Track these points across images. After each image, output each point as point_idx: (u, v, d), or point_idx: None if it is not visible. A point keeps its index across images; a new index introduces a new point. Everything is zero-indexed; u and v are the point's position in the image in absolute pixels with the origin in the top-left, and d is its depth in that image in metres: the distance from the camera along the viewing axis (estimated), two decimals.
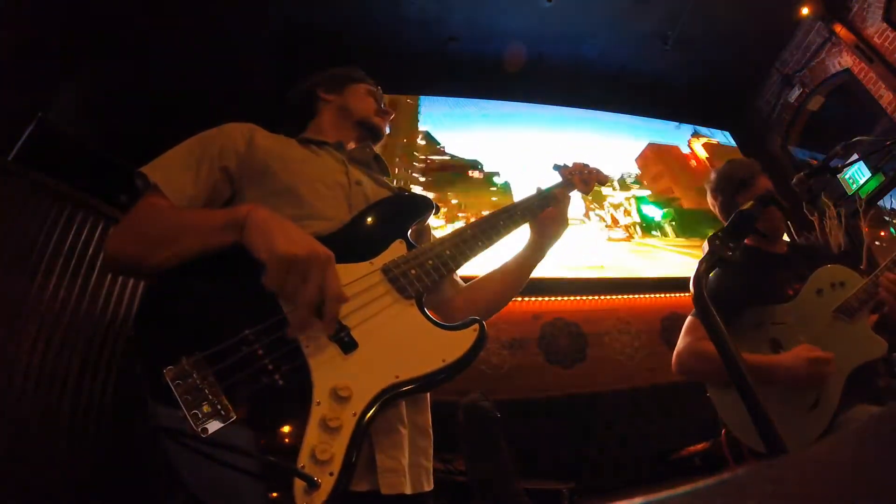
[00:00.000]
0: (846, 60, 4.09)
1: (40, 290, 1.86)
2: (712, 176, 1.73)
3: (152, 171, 0.81)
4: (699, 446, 2.75)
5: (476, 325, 0.76)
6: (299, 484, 0.55)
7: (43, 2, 2.59)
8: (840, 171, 1.41)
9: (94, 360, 1.98)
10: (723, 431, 1.52)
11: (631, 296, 3.78)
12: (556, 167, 1.25)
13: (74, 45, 2.75)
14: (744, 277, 1.47)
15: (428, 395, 0.88)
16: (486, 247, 0.93)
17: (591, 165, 1.29)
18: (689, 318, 1.54)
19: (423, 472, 0.82)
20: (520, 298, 3.45)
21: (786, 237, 1.72)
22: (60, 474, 1.74)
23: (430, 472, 0.85)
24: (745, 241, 1.38)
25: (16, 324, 1.76)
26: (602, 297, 3.72)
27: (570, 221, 1.13)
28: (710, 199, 1.74)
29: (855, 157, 1.48)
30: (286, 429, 0.59)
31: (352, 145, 1.08)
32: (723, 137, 5.18)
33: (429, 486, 0.83)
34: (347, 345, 0.68)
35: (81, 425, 1.87)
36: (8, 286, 1.78)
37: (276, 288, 0.65)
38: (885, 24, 3.76)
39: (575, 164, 1.26)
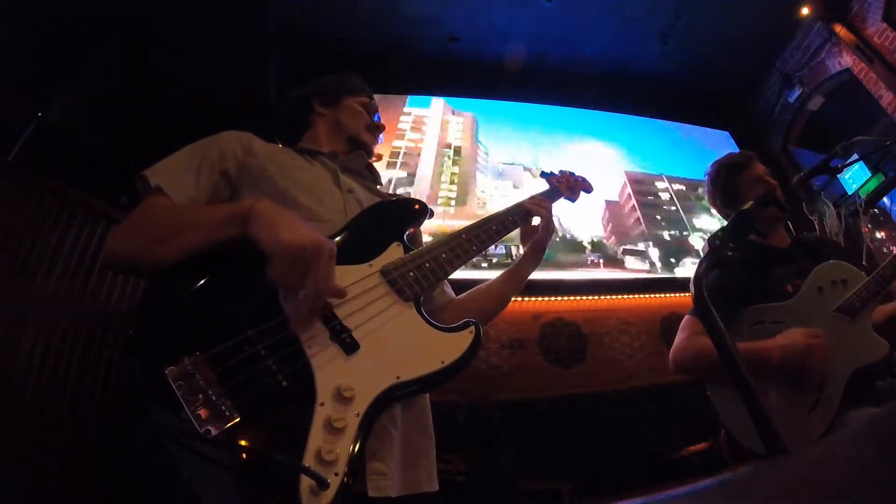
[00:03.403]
0: (846, 60, 4.09)
1: (40, 290, 1.87)
2: (710, 168, 1.75)
3: (153, 175, 0.82)
4: (699, 446, 2.75)
5: (472, 328, 0.77)
6: (305, 485, 0.55)
7: (43, 2, 2.58)
8: (840, 171, 1.40)
9: (94, 360, 1.98)
10: (722, 432, 1.51)
11: (631, 296, 3.78)
12: (544, 175, 1.28)
13: (74, 45, 2.75)
14: (742, 274, 1.45)
15: (427, 394, 0.88)
16: (480, 251, 0.95)
17: (578, 174, 1.32)
18: (686, 317, 1.53)
19: (423, 473, 0.82)
20: (520, 298, 3.46)
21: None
22: (60, 473, 1.74)
23: (431, 472, 0.84)
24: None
25: (16, 323, 1.76)
26: (602, 297, 3.72)
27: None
28: (708, 188, 1.76)
29: (855, 157, 1.47)
30: (290, 430, 0.59)
31: (343, 157, 1.11)
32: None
33: (430, 487, 0.82)
34: (349, 346, 0.68)
35: (81, 425, 1.87)
36: (8, 285, 1.78)
37: (281, 278, 0.66)
38: (885, 24, 3.77)
39: (562, 173, 1.30)
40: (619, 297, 3.76)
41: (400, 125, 4.47)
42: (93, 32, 2.81)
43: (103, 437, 1.88)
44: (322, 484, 0.55)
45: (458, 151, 4.50)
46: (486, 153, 4.57)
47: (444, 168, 4.35)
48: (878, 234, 4.00)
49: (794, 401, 1.25)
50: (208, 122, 0.96)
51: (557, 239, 4.01)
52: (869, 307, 1.31)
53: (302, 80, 1.24)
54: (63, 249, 1.98)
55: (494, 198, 4.21)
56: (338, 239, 0.82)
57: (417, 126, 4.56)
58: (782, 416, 1.23)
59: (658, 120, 5.14)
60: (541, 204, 1.12)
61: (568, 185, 1.26)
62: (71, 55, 2.74)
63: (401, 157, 4.31)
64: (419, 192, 4.03)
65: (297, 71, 3.87)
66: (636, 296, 3.79)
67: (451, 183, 4.26)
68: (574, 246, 4.11)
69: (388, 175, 4.08)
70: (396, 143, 4.36)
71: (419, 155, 4.36)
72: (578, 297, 3.66)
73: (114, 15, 2.84)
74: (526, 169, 4.49)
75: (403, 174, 4.20)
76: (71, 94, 2.82)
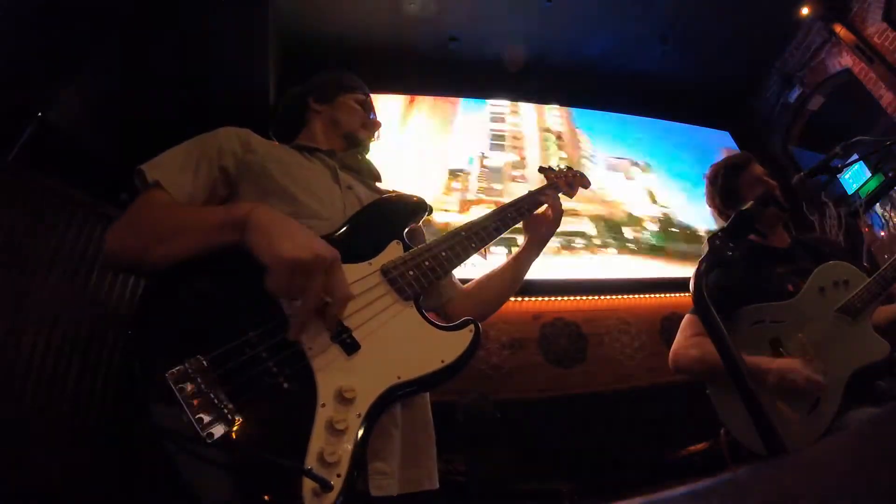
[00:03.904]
0: (846, 60, 4.09)
1: (40, 290, 1.87)
2: (709, 170, 1.78)
3: (151, 169, 0.81)
4: (699, 446, 2.75)
5: (471, 326, 0.77)
6: (307, 487, 0.55)
7: (43, 2, 2.58)
8: (840, 171, 1.41)
9: (94, 360, 1.98)
10: (721, 431, 1.51)
11: (631, 296, 3.77)
12: (542, 170, 1.28)
13: (74, 45, 2.75)
14: (743, 273, 1.46)
15: (427, 393, 0.88)
16: (480, 248, 0.95)
17: (575, 169, 1.34)
18: (686, 316, 1.54)
19: (424, 472, 0.82)
20: (520, 298, 3.45)
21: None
22: (60, 474, 1.74)
23: (431, 470, 0.84)
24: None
25: (16, 323, 1.76)
26: (602, 297, 3.71)
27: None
28: (707, 189, 1.78)
29: (855, 157, 1.47)
30: (292, 432, 0.59)
31: (341, 154, 1.10)
32: None
33: (430, 486, 0.82)
34: (350, 346, 0.68)
35: (81, 425, 1.87)
36: (8, 285, 1.78)
37: (280, 292, 0.65)
38: (885, 24, 3.76)
39: (559, 168, 1.31)
40: (619, 297, 3.75)
41: (497, 108, 4.52)
42: (93, 32, 2.81)
43: (103, 437, 1.88)
44: (325, 486, 0.55)
45: (560, 136, 4.54)
46: (591, 142, 4.60)
47: (550, 153, 4.39)
48: (881, 234, 4.00)
49: (794, 401, 1.26)
50: (208, 121, 0.95)
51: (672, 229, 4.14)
52: (870, 308, 1.32)
53: (302, 80, 1.24)
54: (63, 249, 1.98)
55: (608, 190, 4.31)
56: (337, 237, 0.82)
57: (515, 110, 4.61)
58: (783, 417, 1.24)
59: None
60: (553, 196, 1.14)
61: (566, 181, 1.27)
62: (71, 55, 2.74)
63: (507, 140, 4.36)
64: (533, 176, 4.04)
65: (297, 71, 3.87)
66: (636, 296, 3.78)
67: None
68: (688, 236, 4.18)
69: (503, 158, 4.17)
70: (497, 125, 4.41)
71: (517, 138, 4.37)
72: (578, 297, 3.65)
73: (114, 15, 2.84)
74: (634, 164, 4.62)
75: (515, 157, 4.26)
76: (71, 94, 2.82)
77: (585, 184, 1.33)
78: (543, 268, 3.50)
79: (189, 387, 0.56)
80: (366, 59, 3.87)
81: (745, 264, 1.48)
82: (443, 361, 0.72)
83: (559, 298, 3.59)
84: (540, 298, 3.55)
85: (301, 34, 3.95)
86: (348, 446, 0.59)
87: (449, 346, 0.74)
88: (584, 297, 3.67)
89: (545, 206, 1.13)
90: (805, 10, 4.21)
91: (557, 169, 1.30)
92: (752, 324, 1.40)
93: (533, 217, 1.11)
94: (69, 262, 1.99)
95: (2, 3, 2.31)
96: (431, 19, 4.03)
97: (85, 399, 1.91)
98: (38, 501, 1.63)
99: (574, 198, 1.30)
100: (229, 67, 3.47)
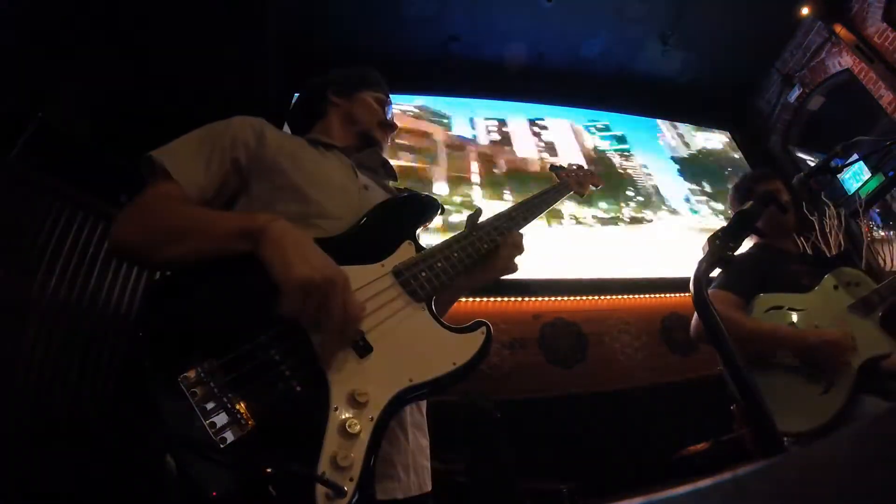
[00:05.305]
0: (846, 60, 4.09)
1: (40, 290, 1.86)
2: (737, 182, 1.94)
3: (162, 157, 0.78)
4: (699, 446, 2.74)
5: (483, 329, 0.76)
6: (321, 491, 0.54)
7: (43, 2, 2.58)
8: (840, 171, 1.43)
9: (94, 360, 1.98)
10: (733, 407, 1.57)
11: (631, 296, 3.77)
12: (553, 168, 1.27)
13: (74, 45, 2.75)
14: (759, 265, 1.60)
15: None
16: (491, 248, 0.93)
17: (587, 167, 1.32)
18: (711, 290, 1.61)
19: (426, 474, 0.82)
20: (520, 298, 3.45)
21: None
22: (60, 474, 1.73)
23: (429, 471, 0.84)
24: (759, 238, 1.55)
25: (16, 323, 1.76)
26: (602, 297, 3.71)
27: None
28: (730, 196, 1.92)
29: (855, 157, 1.50)
30: (305, 435, 0.58)
31: (356, 151, 1.08)
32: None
33: (427, 488, 0.82)
34: (362, 349, 0.67)
35: (81, 425, 1.86)
36: (8, 285, 1.78)
37: (294, 315, 0.64)
38: (885, 24, 3.76)
39: (570, 166, 1.30)
40: (619, 297, 3.75)
41: None
42: (93, 32, 2.81)
43: (104, 438, 1.88)
44: (339, 492, 0.54)
45: None
46: None
47: None
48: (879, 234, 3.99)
49: (810, 381, 1.38)
50: (208, 121, 0.95)
51: None
52: (880, 309, 1.45)
53: (301, 79, 1.23)
54: (63, 249, 1.98)
55: None
56: (349, 238, 0.81)
57: None
58: (795, 397, 1.35)
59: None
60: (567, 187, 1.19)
61: (577, 180, 1.25)
62: (71, 54, 2.74)
63: None
64: None
65: (297, 71, 3.86)
66: (636, 296, 3.78)
67: None
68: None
69: None
70: None
71: None
72: (578, 297, 3.65)
73: (114, 14, 2.84)
74: None
75: None
76: (71, 94, 2.82)
77: (596, 182, 1.32)
78: (544, 266, 3.51)
79: (202, 391, 0.56)
80: (365, 58, 3.86)
81: (761, 259, 1.63)
82: (454, 363, 0.71)
83: (559, 298, 3.59)
84: (540, 298, 3.54)
85: (301, 34, 3.95)
86: (361, 449, 0.59)
87: (461, 347, 0.73)
88: (584, 297, 3.66)
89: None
90: (805, 10, 4.21)
91: (568, 167, 1.29)
92: (769, 309, 1.53)
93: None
94: (69, 262, 1.99)
95: (2, 3, 2.31)
96: (431, 19, 4.03)
97: (85, 399, 1.91)
98: (38, 502, 1.63)
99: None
100: (230, 67, 3.47)
